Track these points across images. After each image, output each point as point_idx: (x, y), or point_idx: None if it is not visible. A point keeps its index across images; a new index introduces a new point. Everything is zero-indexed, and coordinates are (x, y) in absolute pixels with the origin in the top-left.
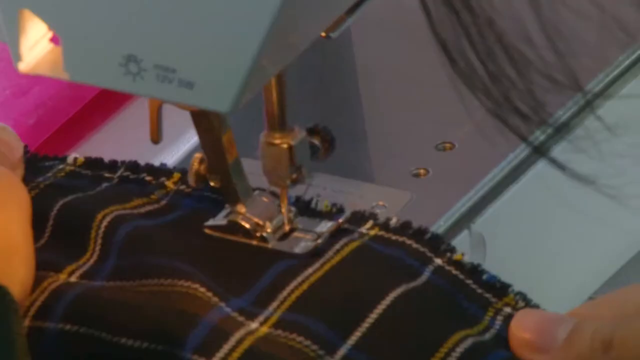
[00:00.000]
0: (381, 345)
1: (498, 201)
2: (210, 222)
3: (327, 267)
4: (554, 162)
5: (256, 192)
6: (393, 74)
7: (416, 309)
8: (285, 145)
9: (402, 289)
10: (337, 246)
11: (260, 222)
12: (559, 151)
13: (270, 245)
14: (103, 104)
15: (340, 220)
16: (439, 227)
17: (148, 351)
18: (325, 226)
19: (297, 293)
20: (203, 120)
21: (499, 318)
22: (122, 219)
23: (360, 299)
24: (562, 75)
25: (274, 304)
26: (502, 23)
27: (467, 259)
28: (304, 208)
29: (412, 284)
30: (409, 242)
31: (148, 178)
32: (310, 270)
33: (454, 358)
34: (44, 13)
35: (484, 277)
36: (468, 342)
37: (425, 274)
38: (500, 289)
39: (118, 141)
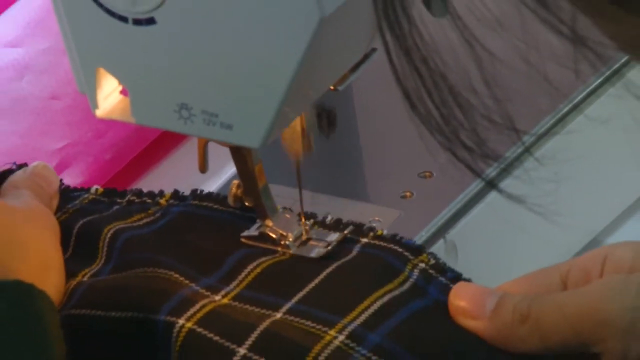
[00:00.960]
0: (319, 300)
1: (466, 217)
2: (246, 233)
3: (277, 257)
4: (491, 185)
5: (280, 210)
6: (384, 117)
7: (349, 272)
8: (299, 128)
9: (336, 264)
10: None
11: (284, 233)
12: (499, 178)
13: (291, 251)
14: (163, 143)
15: (346, 232)
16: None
17: (132, 319)
18: (334, 236)
19: (252, 275)
20: (239, 154)
21: (416, 271)
22: (122, 230)
23: (301, 276)
24: (499, 118)
25: (234, 283)
26: (452, 76)
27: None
28: (317, 222)
29: (344, 259)
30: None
31: (149, 200)
32: (263, 258)
33: (375, 308)
34: (116, 71)
35: (403, 241)
36: (385, 299)
37: (356, 249)
38: (416, 249)
39: (174, 171)
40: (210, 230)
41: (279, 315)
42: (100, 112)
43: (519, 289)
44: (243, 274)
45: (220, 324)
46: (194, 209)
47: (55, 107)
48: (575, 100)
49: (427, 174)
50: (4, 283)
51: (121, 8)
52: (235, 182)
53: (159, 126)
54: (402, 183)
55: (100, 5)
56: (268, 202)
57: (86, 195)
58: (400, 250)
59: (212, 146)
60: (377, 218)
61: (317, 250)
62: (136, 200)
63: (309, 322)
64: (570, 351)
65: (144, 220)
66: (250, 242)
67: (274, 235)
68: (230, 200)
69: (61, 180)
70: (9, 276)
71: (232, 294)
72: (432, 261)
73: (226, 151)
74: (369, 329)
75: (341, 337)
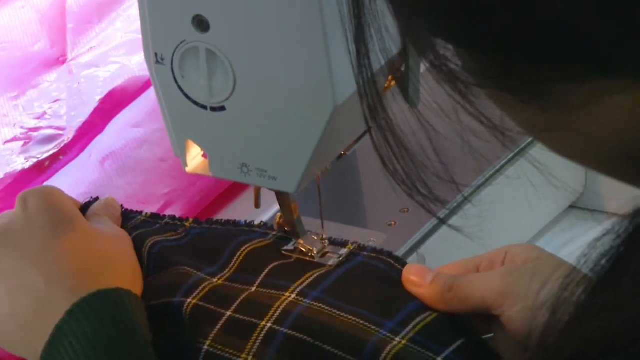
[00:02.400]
0: (279, 273)
1: (432, 238)
2: (285, 248)
3: (255, 243)
4: (440, 219)
5: (308, 232)
6: (377, 172)
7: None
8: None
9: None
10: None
11: (311, 248)
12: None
13: (315, 260)
14: (232, 189)
15: (352, 248)
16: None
17: (160, 304)
18: (344, 251)
19: (239, 260)
20: (281, 196)
21: (344, 254)
22: (158, 242)
23: (268, 258)
24: (444, 175)
25: (227, 269)
26: (411, 146)
27: None
28: (333, 242)
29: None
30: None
31: (178, 223)
32: (246, 245)
33: (316, 275)
34: (199, 141)
35: (335, 240)
36: (323, 269)
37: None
38: (343, 243)
39: (239, 208)
40: (213, 240)
41: (253, 288)
42: (189, 169)
43: (449, 271)
44: (233, 261)
45: (214, 297)
46: (206, 230)
47: (163, 166)
48: (498, 165)
49: (406, 209)
50: (109, 290)
51: (202, 100)
52: (279, 214)
53: (228, 178)
54: (388, 215)
55: (188, 98)
56: (300, 228)
57: (139, 217)
58: (332, 247)
59: (263, 191)
60: (372, 239)
61: (332, 260)
62: (170, 222)
63: (272, 291)
64: (480, 312)
65: (173, 237)
66: (289, 254)
67: (304, 250)
68: (275, 226)
69: (122, 205)
70: (110, 285)
71: (225, 277)
72: (354, 245)
73: (272, 194)
74: (311, 288)
75: (293, 295)
